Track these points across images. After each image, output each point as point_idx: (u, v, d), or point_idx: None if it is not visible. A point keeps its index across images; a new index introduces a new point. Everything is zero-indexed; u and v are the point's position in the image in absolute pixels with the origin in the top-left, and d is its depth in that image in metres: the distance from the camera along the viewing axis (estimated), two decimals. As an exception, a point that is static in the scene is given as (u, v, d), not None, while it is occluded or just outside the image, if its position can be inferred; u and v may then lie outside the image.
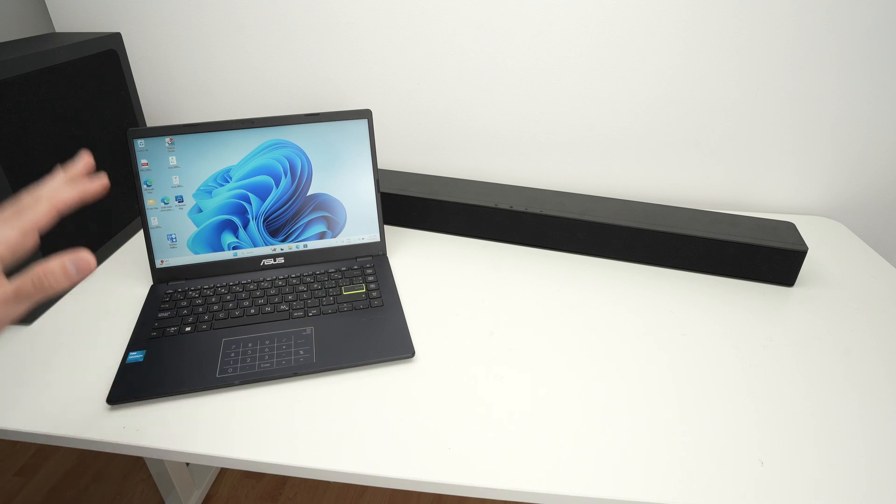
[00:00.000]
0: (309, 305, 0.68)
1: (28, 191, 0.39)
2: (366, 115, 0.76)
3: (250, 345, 0.62)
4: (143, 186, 0.71)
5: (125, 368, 0.58)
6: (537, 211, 0.79)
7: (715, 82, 0.87)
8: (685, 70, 0.87)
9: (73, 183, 0.40)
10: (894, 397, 0.58)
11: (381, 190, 0.85)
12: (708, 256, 0.77)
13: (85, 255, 0.36)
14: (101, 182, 0.40)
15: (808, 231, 0.91)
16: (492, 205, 0.81)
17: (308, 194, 0.76)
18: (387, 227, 0.88)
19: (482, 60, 0.89)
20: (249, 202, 0.74)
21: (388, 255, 0.80)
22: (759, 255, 0.75)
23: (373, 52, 0.91)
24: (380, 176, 0.90)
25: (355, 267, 0.75)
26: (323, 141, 0.75)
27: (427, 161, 1.00)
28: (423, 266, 0.79)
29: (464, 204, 0.82)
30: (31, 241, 0.38)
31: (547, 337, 0.66)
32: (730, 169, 0.95)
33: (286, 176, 0.75)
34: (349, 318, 0.66)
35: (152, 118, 1.01)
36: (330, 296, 0.70)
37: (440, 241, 0.85)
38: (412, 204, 0.85)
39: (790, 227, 0.78)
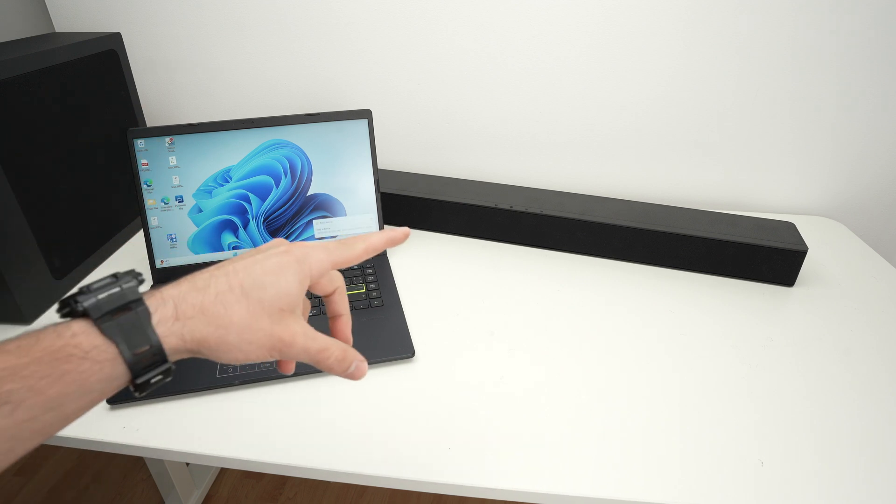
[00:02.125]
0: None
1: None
2: (366, 115, 0.76)
3: (250, 345, 0.62)
4: (144, 186, 0.71)
5: (125, 368, 0.58)
6: (537, 211, 0.79)
7: (715, 82, 0.87)
8: (685, 70, 0.87)
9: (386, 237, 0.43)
10: (894, 397, 0.58)
11: (381, 190, 0.85)
12: (708, 256, 0.77)
13: (364, 367, 0.38)
14: (404, 231, 0.44)
15: (808, 231, 0.91)
16: (492, 205, 0.81)
17: (308, 194, 0.76)
18: (387, 228, 0.87)
19: (482, 60, 0.89)
20: (249, 202, 0.74)
21: (388, 255, 0.80)
22: (759, 255, 0.75)
23: (373, 52, 0.91)
24: (380, 176, 0.90)
25: (355, 267, 0.75)
26: (323, 141, 0.75)
27: (427, 161, 1.00)
28: (424, 266, 0.79)
29: (464, 204, 0.82)
30: (337, 272, 0.41)
31: (547, 337, 0.66)
32: (730, 169, 0.95)
33: (286, 176, 0.75)
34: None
35: (152, 118, 1.01)
36: (330, 296, 0.70)
37: (440, 240, 0.85)
38: (412, 204, 0.85)
39: (790, 228, 0.78)
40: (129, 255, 0.81)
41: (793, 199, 0.97)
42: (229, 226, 0.74)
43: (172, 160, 0.71)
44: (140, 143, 0.70)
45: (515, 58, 0.88)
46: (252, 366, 0.58)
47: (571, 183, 0.99)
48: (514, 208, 0.80)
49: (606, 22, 0.84)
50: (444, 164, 1.00)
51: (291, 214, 0.76)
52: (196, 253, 0.73)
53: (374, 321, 0.66)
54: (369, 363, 0.60)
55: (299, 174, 0.75)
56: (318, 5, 0.88)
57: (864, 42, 0.82)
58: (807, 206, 0.97)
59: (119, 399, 0.54)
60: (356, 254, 0.40)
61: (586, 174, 0.98)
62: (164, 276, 0.72)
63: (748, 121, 0.90)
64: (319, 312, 0.67)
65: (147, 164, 0.71)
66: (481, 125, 0.95)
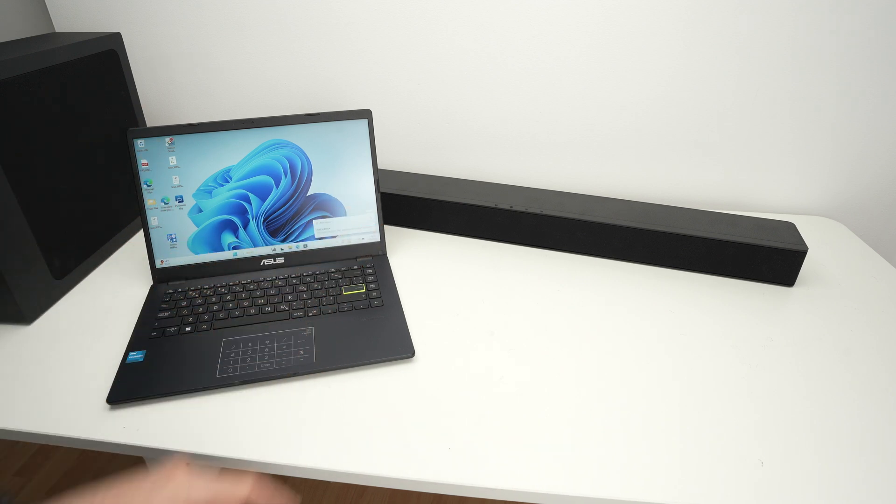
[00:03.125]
0: (309, 305, 0.68)
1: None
2: (366, 115, 0.76)
3: (250, 345, 0.62)
4: (144, 186, 0.71)
5: (125, 368, 0.58)
6: (537, 211, 0.79)
7: (715, 82, 0.87)
8: (685, 70, 0.87)
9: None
10: (895, 397, 0.58)
11: (381, 190, 0.85)
12: (708, 256, 0.77)
13: None
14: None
15: (808, 231, 0.91)
16: (492, 205, 0.81)
17: (308, 194, 0.76)
18: (387, 227, 0.88)
19: (482, 60, 0.89)
20: (249, 202, 0.74)
21: (388, 255, 0.80)
22: (759, 255, 0.75)
23: (373, 52, 0.91)
24: (382, 175, 0.90)
25: (355, 267, 0.75)
26: (323, 141, 0.75)
27: (427, 161, 1.00)
28: (423, 266, 0.79)
29: (464, 204, 0.82)
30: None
31: (547, 337, 0.66)
32: (730, 169, 0.95)
33: (286, 176, 0.75)
34: (349, 317, 0.66)
35: (152, 118, 1.01)
36: (330, 296, 0.70)
37: (440, 241, 0.85)
38: (412, 204, 0.85)
39: (790, 228, 0.78)
40: (130, 255, 0.81)
41: (793, 199, 0.97)
42: (229, 226, 0.74)
43: (172, 160, 0.71)
44: (140, 143, 0.70)
45: (515, 58, 0.88)
46: (252, 365, 0.59)
47: (571, 183, 0.99)
48: (514, 208, 0.80)
49: (606, 22, 0.84)
50: (445, 164, 1.00)
51: (291, 214, 0.75)
52: (196, 253, 0.73)
53: (374, 321, 0.66)
54: (369, 363, 0.62)
55: (299, 174, 0.75)
56: (319, 5, 0.88)
57: (864, 42, 0.82)
58: (807, 206, 0.97)
59: (119, 399, 0.54)
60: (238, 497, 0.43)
61: (586, 174, 0.98)
62: (164, 277, 0.72)
63: (748, 121, 0.90)
64: (162, 335, 0.64)
65: (147, 164, 0.71)
66: (481, 125, 0.95)
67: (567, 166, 0.97)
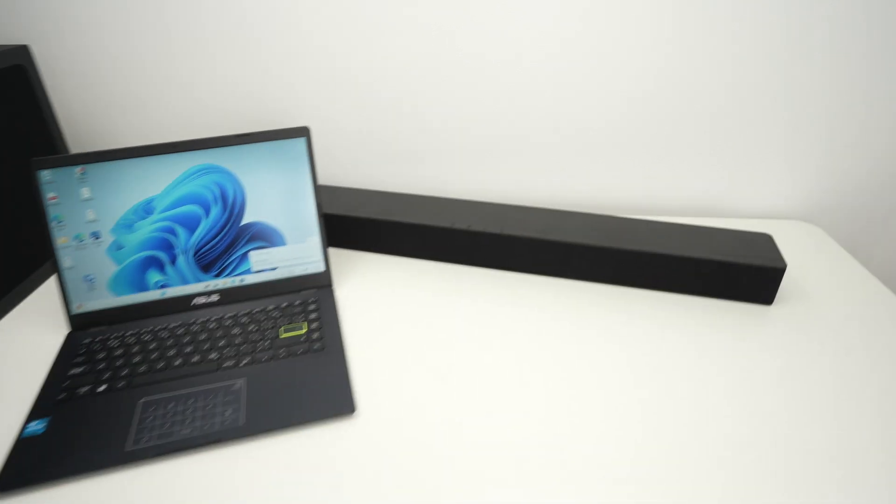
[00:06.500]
0: (242, 352, 0.61)
1: None
2: (303, 133, 0.68)
3: (172, 405, 0.55)
4: (53, 223, 0.63)
5: (21, 445, 0.51)
6: (497, 231, 0.73)
7: (689, 85, 0.81)
8: (657, 73, 0.80)
9: None
10: (880, 419, 0.53)
11: (328, 211, 0.78)
12: (682, 275, 0.71)
13: None
14: None
15: (787, 239, 0.85)
16: (448, 225, 0.74)
17: (242, 223, 0.68)
18: (336, 251, 0.81)
19: (436, 64, 0.82)
20: (176, 235, 0.67)
21: (335, 285, 0.73)
22: (736, 272, 0.69)
23: (315, 60, 0.83)
24: (327, 194, 0.82)
25: (297, 302, 0.69)
26: (257, 164, 0.68)
27: (381, 175, 0.93)
28: (374, 296, 0.72)
29: (418, 225, 0.75)
30: None
31: (509, 373, 0.59)
32: (705, 173, 0.89)
33: (217, 204, 0.67)
34: (285, 366, 0.60)
35: (77, 141, 0.91)
36: (266, 339, 0.63)
37: (394, 264, 0.78)
38: (363, 226, 0.78)
39: (768, 241, 0.73)
40: (43, 301, 0.72)
41: (770, 203, 0.91)
42: (155, 262, 0.66)
43: (85, 192, 0.64)
44: (46, 175, 0.62)
45: (474, 60, 0.81)
46: (171, 432, 0.52)
47: (538, 194, 0.93)
48: (472, 228, 0.74)
49: (575, 25, 0.77)
50: (400, 177, 0.93)
51: (225, 247, 0.68)
52: (118, 295, 0.66)
53: (312, 369, 0.59)
54: (301, 424, 0.54)
55: (231, 202, 0.68)
56: (253, 12, 0.79)
57: (844, 42, 0.76)
58: (785, 210, 0.92)
59: (9, 486, 0.47)
60: None
61: (553, 184, 0.91)
62: (82, 323, 0.65)
63: (722, 123, 0.84)
64: (71, 397, 0.56)
65: (56, 198, 0.63)
66: (438, 135, 0.88)
67: (533, 176, 0.91)
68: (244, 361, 0.60)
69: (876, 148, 0.85)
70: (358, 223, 0.77)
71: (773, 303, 0.71)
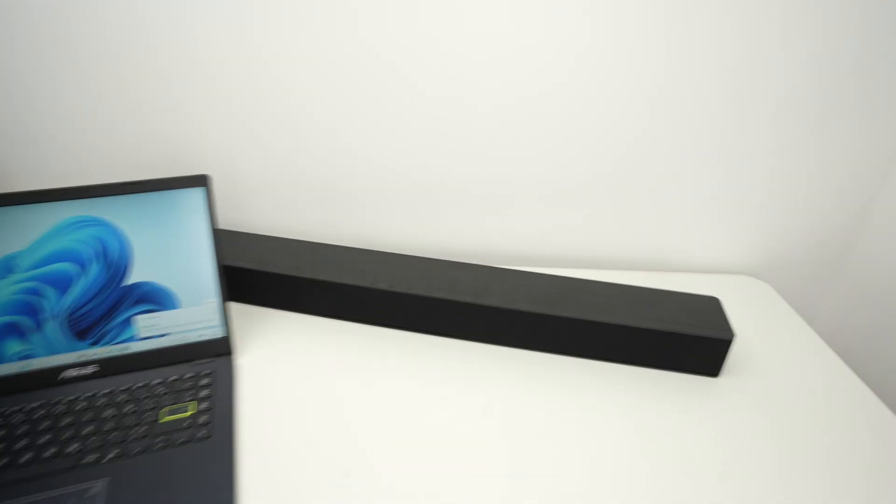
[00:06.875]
0: (110, 442, 0.52)
1: None
2: (202, 181, 0.60)
3: (6, 518, 0.45)
4: None
5: None
6: (422, 293, 0.66)
7: (637, 137, 0.76)
8: (605, 127, 0.75)
9: None
10: (831, 488, 0.48)
11: (236, 263, 0.69)
12: (623, 345, 0.65)
13: None
14: None
15: (734, 296, 0.81)
16: (368, 284, 0.67)
17: (127, 284, 0.59)
18: (243, 307, 0.72)
19: (359, 97, 0.75)
20: (44, 297, 0.57)
21: (237, 352, 0.64)
22: (681, 343, 0.64)
23: (225, 93, 0.74)
24: (236, 241, 0.73)
25: (188, 375, 0.60)
26: (146, 216, 0.59)
27: (299, 221, 0.84)
28: (281, 364, 0.63)
29: (335, 283, 0.67)
30: None
31: (429, 461, 0.52)
32: (652, 228, 0.84)
33: (96, 262, 0.58)
34: (160, 461, 0.50)
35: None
36: (143, 424, 0.54)
37: (307, 325, 0.69)
38: (273, 281, 0.69)
39: (715, 306, 0.68)
40: None
41: (720, 257, 0.87)
42: (14, 329, 0.57)
43: (-69, 247, 0.54)
44: None
45: (400, 93, 0.74)
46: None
47: (471, 245, 0.86)
48: (395, 289, 0.66)
49: (509, 60, 0.72)
50: (323, 226, 0.84)
51: (105, 310, 0.59)
52: (-32, 368, 0.56)
53: (189, 466, 0.50)
54: None
55: (114, 259, 0.58)
56: (161, 47, 0.71)
57: (793, 95, 0.73)
58: (734, 264, 0.88)
59: None
60: None
61: (492, 233, 0.85)
62: (-79, 401, 0.55)
63: (674, 178, 0.79)
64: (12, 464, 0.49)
65: None
66: (365, 179, 0.80)
67: (468, 226, 0.84)
68: (110, 455, 0.50)
69: (822, 203, 0.82)
70: (268, 278, 0.69)
71: (720, 375, 0.66)
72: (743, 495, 0.51)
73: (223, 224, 0.83)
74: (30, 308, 0.57)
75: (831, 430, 0.59)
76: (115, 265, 0.59)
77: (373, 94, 0.74)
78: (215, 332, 0.63)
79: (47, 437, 0.52)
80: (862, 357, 0.84)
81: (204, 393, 0.58)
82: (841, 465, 0.55)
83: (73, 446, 0.51)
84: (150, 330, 0.61)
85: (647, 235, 0.85)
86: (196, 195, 0.60)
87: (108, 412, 0.55)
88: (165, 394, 0.57)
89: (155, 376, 0.59)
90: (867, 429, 0.60)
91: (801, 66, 0.71)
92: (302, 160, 0.79)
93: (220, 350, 0.63)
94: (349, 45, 0.70)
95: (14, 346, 0.57)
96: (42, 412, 0.54)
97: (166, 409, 0.56)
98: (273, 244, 0.74)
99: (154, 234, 0.59)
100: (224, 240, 0.74)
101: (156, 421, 0.54)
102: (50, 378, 0.58)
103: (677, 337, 0.63)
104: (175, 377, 0.59)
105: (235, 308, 0.71)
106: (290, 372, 0.62)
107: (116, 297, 0.59)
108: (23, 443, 0.51)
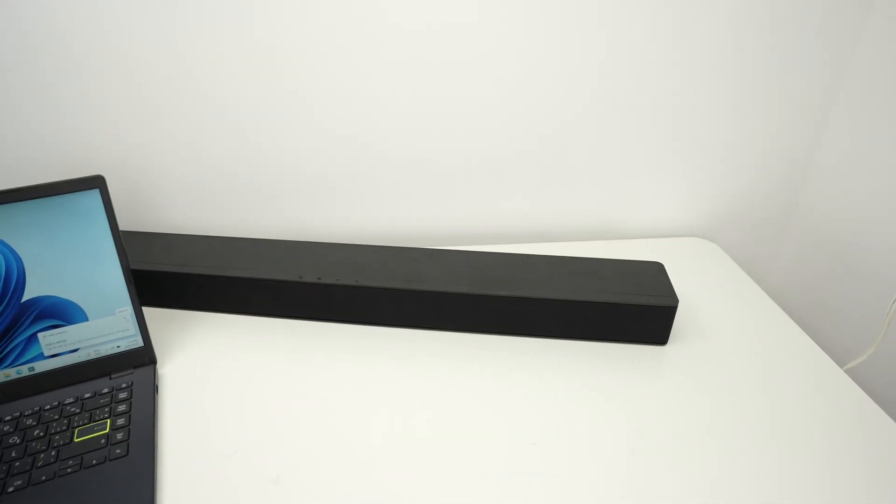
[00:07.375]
0: (14, 471, 0.48)
1: None
2: (96, 183, 0.55)
3: None
4: None
5: None
6: (352, 282, 0.62)
7: (579, 100, 0.73)
8: (544, 91, 0.71)
9: None
10: (779, 460, 0.47)
11: (151, 267, 0.65)
12: (566, 320, 0.63)
13: None
14: None
15: (681, 259, 0.79)
16: (296, 278, 0.63)
17: (24, 300, 0.55)
18: (167, 313, 0.67)
19: (274, 79, 0.70)
20: (-68, 321, 0.52)
21: (160, 361, 0.61)
22: (625, 314, 0.62)
23: (136, 90, 0.69)
24: (153, 244, 0.68)
25: (104, 391, 0.56)
26: (35, 225, 0.54)
27: (220, 217, 0.79)
28: (207, 369, 0.60)
29: (259, 280, 0.64)
30: None
31: (368, 462, 0.49)
32: (596, 194, 0.81)
33: (-13, 278, 0.53)
34: (72, 485, 0.47)
35: None
36: (53, 447, 0.50)
37: (235, 325, 0.66)
38: (195, 282, 0.65)
39: (659, 271, 0.66)
40: None
41: (666, 220, 0.85)
42: None
43: None
44: None
45: (325, 74, 0.70)
46: None
47: (405, 228, 0.82)
48: (324, 281, 0.63)
49: (441, 30, 0.67)
50: (246, 218, 0.80)
51: (2, 330, 0.55)
52: None
53: (106, 488, 0.46)
54: None
55: (4, 275, 0.54)
56: (72, 34, 0.64)
57: (739, 57, 0.70)
58: (681, 226, 0.86)
59: None
60: None
61: (424, 215, 0.81)
62: None
63: (616, 140, 0.76)
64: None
65: None
66: (290, 166, 0.75)
67: (398, 209, 0.80)
68: (16, 483, 0.47)
69: (763, 158, 0.80)
70: (188, 280, 0.65)
71: (668, 342, 0.64)
72: (698, 461, 0.50)
73: (138, 226, 0.78)
74: (-84, 335, 0.52)
75: (781, 390, 0.58)
76: (6, 280, 0.54)
77: (281, 81, 0.69)
78: (132, 342, 0.59)
79: (-56, 471, 0.48)
80: (814, 312, 0.84)
81: (121, 408, 0.54)
82: (791, 424, 0.54)
83: (-29, 480, 0.47)
84: (58, 347, 0.56)
85: (592, 204, 0.82)
86: (91, 198, 0.55)
87: (13, 439, 0.51)
88: (78, 413, 0.53)
89: (67, 395, 0.55)
90: (814, 386, 0.59)
91: (731, 22, 0.68)
92: (213, 153, 0.74)
93: (140, 360, 0.59)
94: (248, 31, 0.65)
95: None
96: (-61, 445, 0.50)
97: (79, 429, 0.52)
98: (192, 243, 0.69)
99: (49, 244, 0.54)
100: (137, 242, 0.69)
101: (69, 442, 0.50)
102: (-52, 407, 0.54)
103: (620, 307, 0.61)
104: (89, 394, 0.55)
105: (156, 314, 0.67)
106: (216, 377, 0.59)
107: (13, 315, 0.54)
108: (-85, 483, 0.47)
